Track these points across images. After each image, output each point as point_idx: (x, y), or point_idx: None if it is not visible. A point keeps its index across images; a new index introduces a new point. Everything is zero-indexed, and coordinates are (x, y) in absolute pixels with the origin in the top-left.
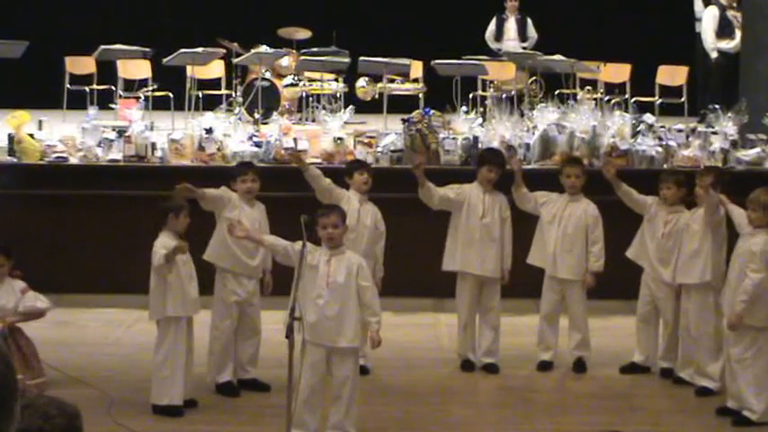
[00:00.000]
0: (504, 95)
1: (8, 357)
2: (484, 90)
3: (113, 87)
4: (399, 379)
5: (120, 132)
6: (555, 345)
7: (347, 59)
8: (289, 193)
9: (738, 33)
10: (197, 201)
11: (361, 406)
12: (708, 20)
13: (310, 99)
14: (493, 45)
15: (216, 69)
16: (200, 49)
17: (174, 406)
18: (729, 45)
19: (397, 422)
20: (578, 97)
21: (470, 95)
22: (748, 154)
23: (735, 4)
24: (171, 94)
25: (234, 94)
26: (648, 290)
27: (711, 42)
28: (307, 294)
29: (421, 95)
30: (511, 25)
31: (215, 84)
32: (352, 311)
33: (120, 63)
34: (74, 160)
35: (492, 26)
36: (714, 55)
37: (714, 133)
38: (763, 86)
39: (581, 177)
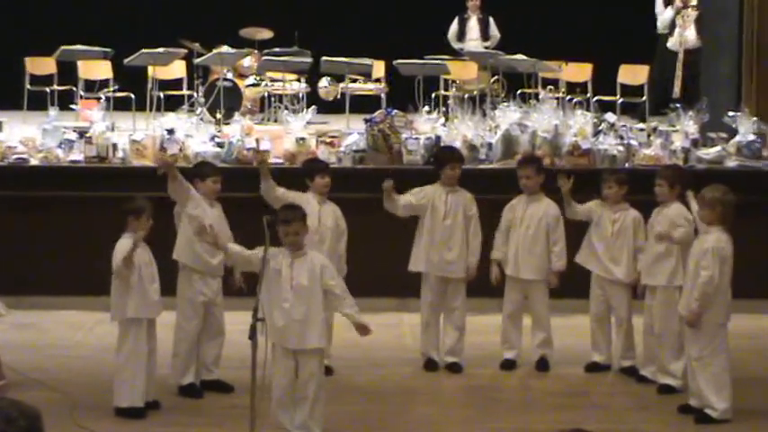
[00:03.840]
0: (466, 95)
1: None
2: (446, 90)
3: (74, 88)
4: (363, 379)
5: (81, 133)
6: (519, 344)
7: (309, 59)
8: (251, 194)
9: (677, 31)
10: (161, 202)
11: (324, 406)
12: (665, 20)
13: (272, 99)
14: (455, 45)
15: (177, 70)
16: (161, 50)
17: (136, 408)
18: (670, 43)
19: (361, 422)
20: (540, 96)
21: (433, 95)
22: (709, 152)
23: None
24: (132, 95)
25: (196, 95)
26: (601, 290)
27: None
28: (272, 299)
29: (383, 95)
30: (473, 25)
31: (176, 84)
32: (318, 313)
33: (80, 64)
34: (34, 161)
35: (454, 26)
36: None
37: (675, 132)
38: (723, 85)
39: (533, 178)
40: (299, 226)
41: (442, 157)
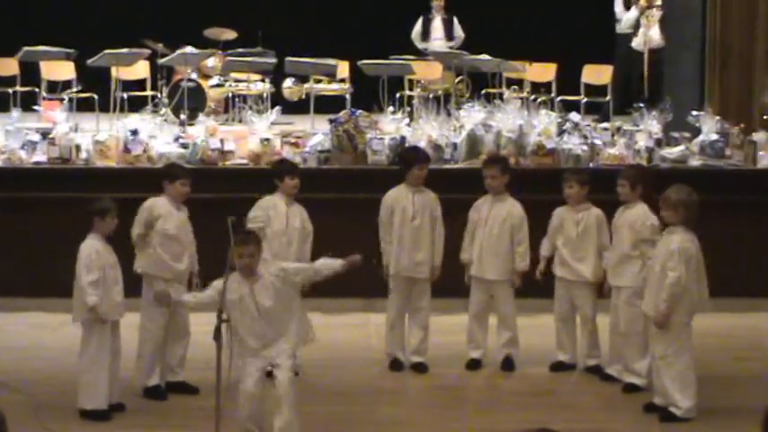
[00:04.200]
0: (430, 95)
1: None
2: (411, 90)
3: (37, 89)
4: (329, 379)
5: (45, 134)
6: (484, 343)
7: (273, 60)
8: (215, 195)
9: (642, 30)
10: (125, 203)
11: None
12: (629, 20)
13: (237, 100)
14: (419, 45)
15: (141, 70)
16: (124, 50)
17: (100, 410)
18: (635, 43)
19: (328, 423)
20: (505, 96)
21: (397, 95)
22: (672, 152)
23: (646, 3)
24: (95, 96)
25: (159, 95)
26: (565, 289)
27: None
28: (242, 326)
29: (348, 96)
30: (437, 25)
31: (140, 85)
32: (290, 323)
33: (43, 64)
34: None
35: (418, 26)
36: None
37: (639, 131)
38: (687, 84)
39: (498, 178)
40: (255, 249)
41: (409, 158)
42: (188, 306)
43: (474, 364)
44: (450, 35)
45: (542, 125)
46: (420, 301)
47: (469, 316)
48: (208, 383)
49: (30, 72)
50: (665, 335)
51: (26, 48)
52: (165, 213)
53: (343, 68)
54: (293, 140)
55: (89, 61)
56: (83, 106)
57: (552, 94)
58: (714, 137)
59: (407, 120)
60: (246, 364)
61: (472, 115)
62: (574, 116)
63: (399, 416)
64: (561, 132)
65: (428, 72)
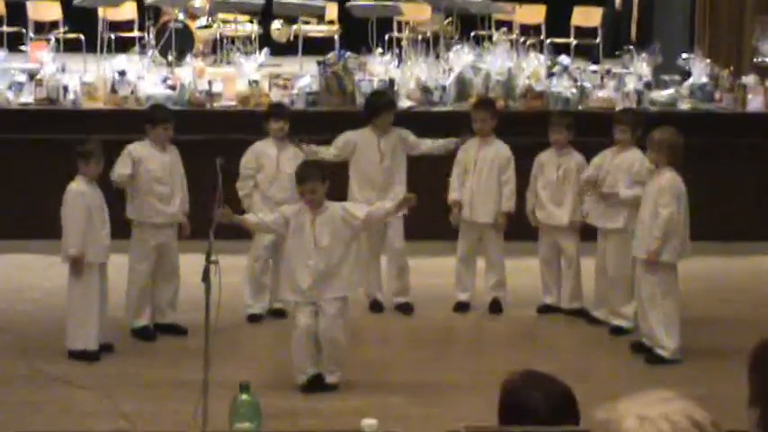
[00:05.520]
0: (419, 37)
1: None
2: (399, 31)
3: (24, 30)
4: None
5: (32, 75)
6: (472, 286)
7: (261, 1)
8: (203, 136)
9: None
10: (112, 144)
11: (274, 351)
12: None
13: (225, 41)
14: None
15: (128, 11)
16: None
17: (90, 351)
18: None
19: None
20: (494, 39)
21: (386, 37)
22: (662, 95)
23: None
24: (82, 37)
25: (147, 37)
26: (548, 233)
27: None
28: (296, 256)
29: (336, 37)
30: None
31: (127, 26)
32: (342, 265)
33: (30, 4)
34: None
35: None
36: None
37: (628, 74)
38: (677, 27)
39: (488, 121)
40: (316, 184)
41: (377, 104)
42: (246, 223)
43: (461, 307)
44: None
45: (531, 68)
46: (395, 241)
47: (457, 259)
48: (197, 324)
49: (16, 12)
50: (651, 276)
51: None
52: (147, 156)
53: (332, 10)
54: (281, 82)
55: (76, 2)
56: (70, 47)
57: (541, 37)
58: (704, 80)
59: (396, 62)
60: (298, 306)
61: (461, 57)
62: (563, 59)
63: (386, 357)
64: (550, 75)
65: (417, 14)
